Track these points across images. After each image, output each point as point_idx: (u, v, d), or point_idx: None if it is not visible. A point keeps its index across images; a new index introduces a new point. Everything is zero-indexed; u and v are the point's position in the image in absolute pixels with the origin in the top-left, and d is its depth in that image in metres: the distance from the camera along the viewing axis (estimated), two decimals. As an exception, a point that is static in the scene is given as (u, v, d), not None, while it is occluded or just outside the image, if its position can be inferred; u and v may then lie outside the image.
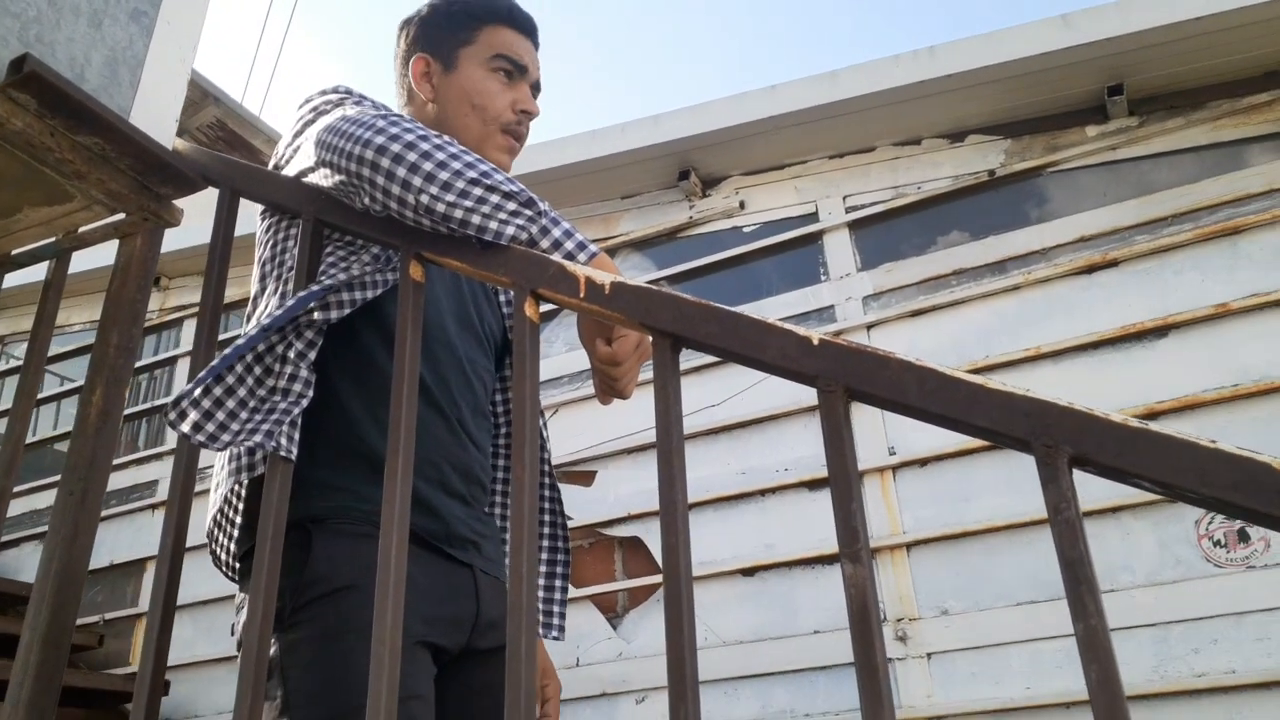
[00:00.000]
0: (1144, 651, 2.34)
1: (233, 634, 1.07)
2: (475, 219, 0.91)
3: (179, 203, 1.22)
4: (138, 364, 3.76)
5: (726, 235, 3.30)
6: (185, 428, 0.93)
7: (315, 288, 1.01)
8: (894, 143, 3.15)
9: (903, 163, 3.13)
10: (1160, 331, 2.59)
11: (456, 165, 0.93)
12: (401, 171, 0.92)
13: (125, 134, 1.09)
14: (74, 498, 1.06)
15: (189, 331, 4.20)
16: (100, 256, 2.27)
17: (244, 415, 0.96)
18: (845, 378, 0.71)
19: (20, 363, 4.58)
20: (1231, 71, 2.73)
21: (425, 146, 0.93)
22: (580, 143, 3.32)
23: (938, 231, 3.01)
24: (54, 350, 4.26)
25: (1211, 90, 2.77)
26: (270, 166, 1.19)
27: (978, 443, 2.61)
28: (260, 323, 0.98)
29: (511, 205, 0.93)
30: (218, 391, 0.95)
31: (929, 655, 2.55)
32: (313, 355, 1.01)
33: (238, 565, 1.08)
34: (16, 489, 1.17)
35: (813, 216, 3.19)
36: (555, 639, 1.26)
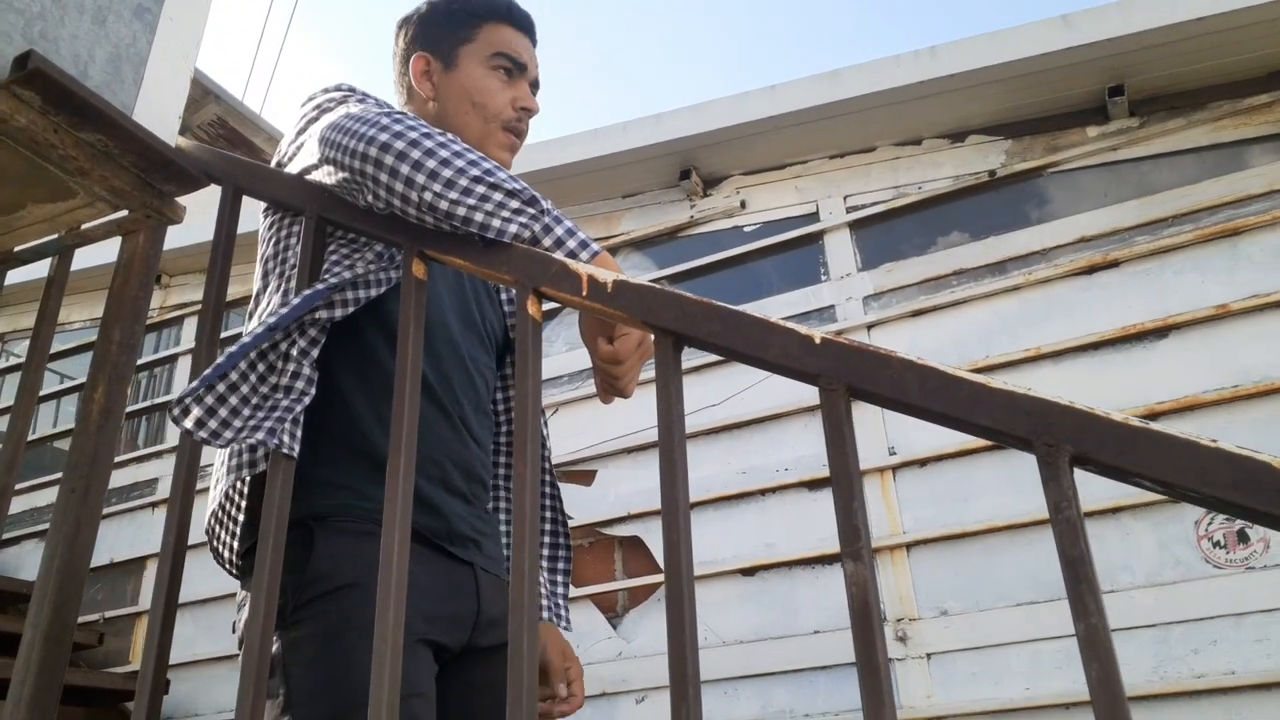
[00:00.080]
0: (1144, 652, 2.34)
1: (234, 632, 1.07)
2: (478, 216, 0.92)
3: (182, 200, 1.23)
4: (138, 362, 3.76)
5: (727, 235, 3.30)
6: (188, 424, 0.93)
7: (320, 286, 1.01)
8: (895, 143, 3.15)
9: (903, 163, 3.13)
10: (1160, 332, 2.59)
11: (460, 163, 0.93)
12: (405, 169, 0.92)
13: (128, 131, 1.09)
14: (76, 495, 1.06)
15: (189, 329, 4.21)
16: (100, 254, 2.27)
17: (246, 412, 0.96)
18: (847, 376, 0.71)
19: (20, 360, 4.59)
20: (1232, 72, 2.73)
21: (429, 144, 0.94)
22: (581, 141, 3.33)
23: (938, 231, 3.01)
24: (54, 348, 4.26)
25: (1212, 91, 2.77)
26: (273, 164, 1.19)
27: (978, 443, 2.61)
28: (265, 321, 0.98)
29: (514, 203, 0.93)
30: (221, 388, 0.95)
31: (929, 655, 2.55)
32: (315, 353, 1.01)
33: (240, 562, 1.08)
34: (17, 487, 1.17)
35: (813, 216, 3.19)
36: (565, 630, 1.27)
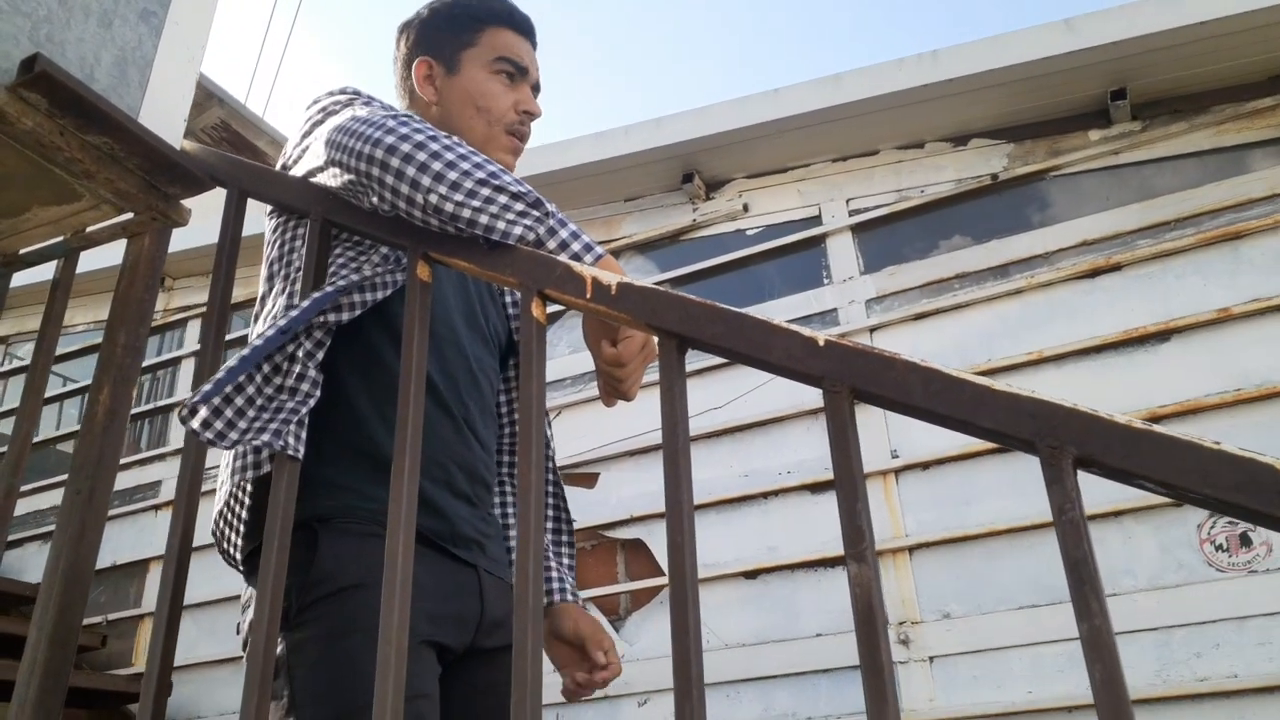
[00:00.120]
0: (1146, 655, 2.34)
1: (238, 633, 1.08)
2: (483, 218, 0.92)
3: (186, 203, 1.23)
4: (142, 364, 3.76)
5: (730, 238, 3.31)
6: (195, 424, 0.93)
7: (329, 289, 1.01)
8: (897, 146, 3.15)
9: (906, 166, 3.13)
10: (1162, 336, 2.59)
11: (465, 165, 0.93)
12: (411, 170, 0.92)
13: (134, 134, 1.09)
14: (81, 496, 1.07)
15: (193, 332, 4.21)
16: (104, 257, 2.27)
17: (251, 413, 0.96)
18: (851, 378, 0.71)
19: (23, 363, 4.60)
20: (1235, 76, 2.74)
21: (434, 146, 0.94)
22: (584, 145, 3.33)
23: (940, 235, 3.02)
24: (58, 350, 4.26)
25: (1214, 95, 2.77)
26: (278, 167, 1.19)
27: (980, 446, 2.61)
28: (276, 324, 0.98)
29: (519, 205, 0.93)
30: (227, 389, 0.95)
31: (931, 659, 2.55)
32: (320, 355, 1.01)
33: (245, 562, 1.08)
34: (20, 489, 1.17)
35: (816, 219, 3.20)
36: (574, 597, 1.29)
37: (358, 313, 1.04)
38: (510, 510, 1.30)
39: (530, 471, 0.82)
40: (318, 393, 1.00)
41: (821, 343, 0.73)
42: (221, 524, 1.10)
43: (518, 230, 0.93)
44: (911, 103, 2.97)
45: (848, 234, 3.12)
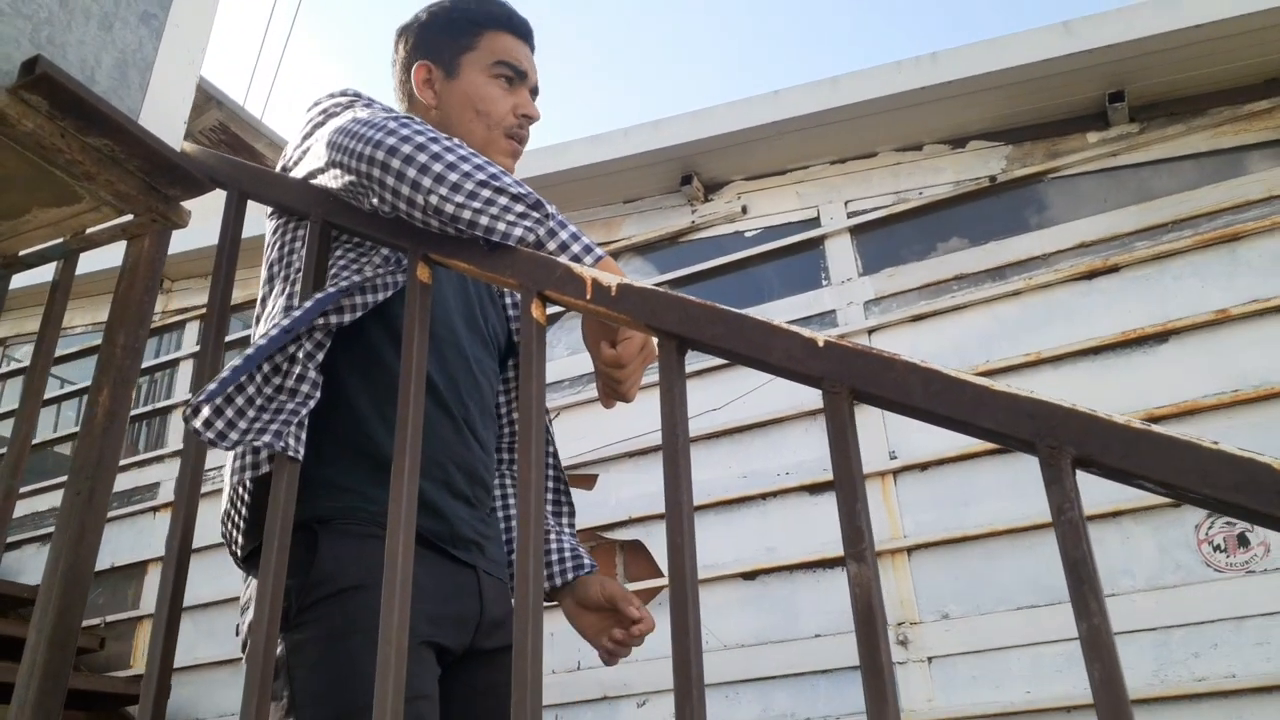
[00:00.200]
0: (1144, 655, 2.34)
1: (237, 634, 1.08)
2: (483, 220, 0.92)
3: (185, 205, 1.23)
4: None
5: (728, 240, 3.31)
6: (197, 424, 0.93)
7: (332, 290, 1.01)
8: (895, 148, 3.16)
9: (904, 168, 3.14)
10: (1160, 337, 2.60)
11: (466, 167, 0.93)
12: (411, 172, 0.93)
13: (135, 136, 1.09)
14: (81, 498, 1.07)
15: (191, 334, 4.21)
16: (102, 259, 2.27)
17: (251, 413, 0.96)
18: (850, 379, 0.71)
19: (20, 365, 4.59)
20: (1232, 78, 2.74)
21: (435, 148, 0.94)
22: (582, 147, 3.33)
23: (939, 237, 3.02)
24: (57, 352, 4.26)
25: (1212, 97, 2.78)
26: (278, 168, 1.19)
27: (978, 447, 2.62)
28: (279, 324, 0.98)
29: (519, 207, 0.94)
30: (229, 389, 0.96)
31: (930, 659, 2.55)
32: (321, 356, 1.02)
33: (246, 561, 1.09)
34: (19, 491, 1.17)
35: (814, 221, 3.20)
36: (592, 566, 1.29)
37: (359, 314, 1.04)
38: (511, 509, 1.30)
39: (530, 471, 0.82)
40: (318, 394, 1.00)
41: (821, 343, 0.73)
42: (227, 524, 1.11)
43: (518, 231, 0.93)
44: (910, 105, 2.98)
45: (846, 236, 3.13)
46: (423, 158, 0.93)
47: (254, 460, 1.03)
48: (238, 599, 1.13)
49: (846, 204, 3.17)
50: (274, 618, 0.90)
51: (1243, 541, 2.35)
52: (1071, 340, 2.68)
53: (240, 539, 1.08)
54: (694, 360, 2.86)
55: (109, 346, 1.15)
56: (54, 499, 4.02)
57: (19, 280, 1.32)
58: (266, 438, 0.94)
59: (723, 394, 3.04)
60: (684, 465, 0.77)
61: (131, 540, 3.79)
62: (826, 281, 3.11)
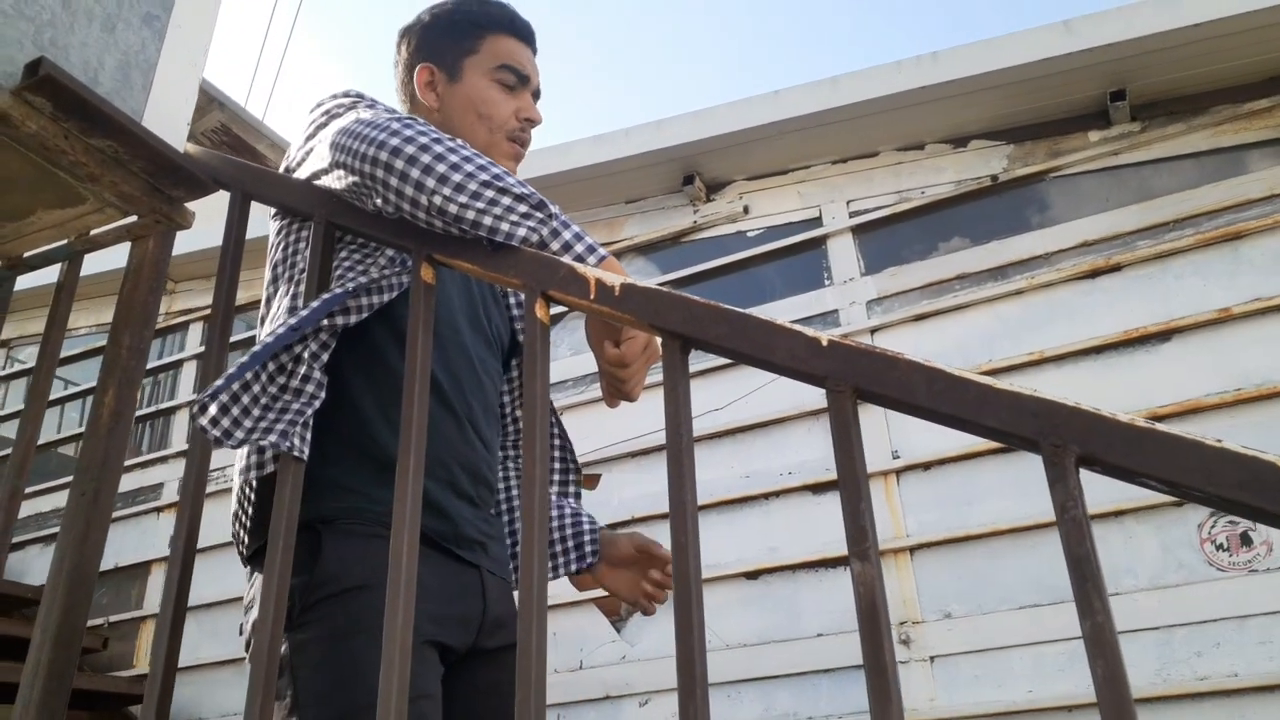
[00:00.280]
0: (1147, 654, 2.34)
1: (241, 634, 1.08)
2: (487, 220, 0.92)
3: (189, 206, 1.24)
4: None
5: (730, 240, 3.31)
6: (204, 421, 0.94)
7: (339, 290, 1.02)
8: (897, 148, 3.16)
9: (906, 168, 3.14)
10: (1162, 336, 2.60)
11: (469, 168, 0.94)
12: (415, 173, 0.93)
13: (138, 137, 1.10)
14: (86, 497, 1.07)
15: (195, 335, 4.22)
16: (106, 260, 2.28)
17: (256, 412, 0.97)
18: (854, 378, 0.71)
19: (24, 366, 4.59)
20: (1233, 77, 2.74)
21: (439, 149, 0.94)
22: (584, 147, 3.34)
23: (941, 236, 3.02)
24: (61, 353, 4.26)
25: (1213, 96, 2.78)
26: (281, 169, 1.20)
27: (981, 446, 2.62)
28: (287, 323, 0.99)
29: (523, 207, 0.94)
30: (234, 387, 0.96)
31: (932, 658, 2.55)
32: (325, 357, 1.02)
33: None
34: (24, 491, 1.18)
35: (816, 221, 3.20)
36: (599, 524, 1.30)
37: (364, 315, 1.05)
38: (516, 508, 1.30)
39: (535, 470, 0.83)
40: (323, 394, 1.00)
41: (825, 343, 0.73)
42: (235, 523, 1.11)
43: (521, 232, 0.93)
44: (911, 104, 2.98)
45: (848, 235, 3.13)
46: (426, 158, 0.93)
47: (259, 460, 1.03)
48: (241, 599, 1.13)
49: (848, 204, 3.17)
50: (279, 617, 0.91)
51: (1245, 541, 2.35)
52: (1074, 339, 2.68)
53: (246, 538, 1.09)
54: (696, 360, 2.86)
55: (114, 347, 1.16)
56: (57, 500, 4.02)
57: (23, 282, 1.32)
58: (273, 437, 0.94)
59: (725, 394, 3.04)
60: (688, 464, 0.77)
61: (135, 541, 3.79)
62: (829, 281, 3.11)
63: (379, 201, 0.98)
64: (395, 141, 0.95)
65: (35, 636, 1.02)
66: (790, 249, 3.20)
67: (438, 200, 0.92)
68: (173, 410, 4.10)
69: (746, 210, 3.30)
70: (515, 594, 1.19)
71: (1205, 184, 2.70)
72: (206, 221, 1.75)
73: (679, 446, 0.77)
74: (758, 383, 2.96)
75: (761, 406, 2.98)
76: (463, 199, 0.92)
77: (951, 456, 2.69)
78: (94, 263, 1.79)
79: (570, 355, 3.33)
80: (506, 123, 1.24)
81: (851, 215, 3.15)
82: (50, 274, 1.24)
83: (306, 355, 1.00)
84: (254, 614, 1.03)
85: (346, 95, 1.15)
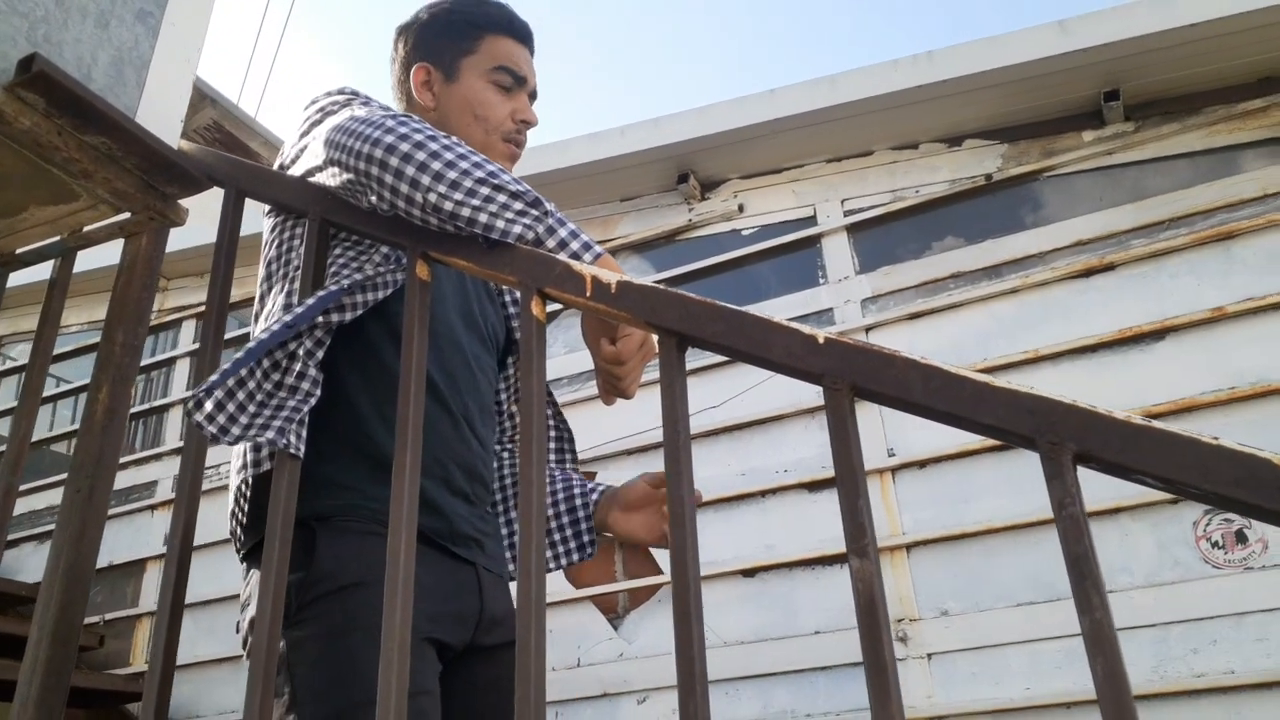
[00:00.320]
0: (1143, 652, 2.35)
1: (238, 632, 1.08)
2: (482, 217, 0.92)
3: (183, 203, 1.23)
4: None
5: (725, 238, 3.31)
6: (200, 417, 0.93)
7: (334, 287, 1.01)
8: (892, 147, 3.16)
9: (900, 167, 3.14)
10: (1157, 335, 2.60)
11: (464, 165, 0.93)
12: (410, 170, 0.93)
13: (132, 133, 1.09)
14: (81, 495, 1.07)
15: (188, 332, 4.20)
16: (99, 257, 2.27)
17: (251, 409, 0.96)
18: (851, 375, 0.71)
19: (16, 363, 4.58)
20: (1226, 77, 2.75)
21: (434, 146, 0.94)
22: (580, 145, 3.33)
23: (935, 235, 3.02)
24: (54, 350, 4.25)
25: (1207, 96, 2.79)
26: (276, 167, 1.19)
27: (977, 444, 2.62)
28: (281, 319, 0.98)
29: (518, 204, 0.94)
30: (230, 383, 0.96)
31: (929, 656, 2.56)
32: (321, 354, 1.02)
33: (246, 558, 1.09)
34: (19, 488, 1.17)
35: (811, 220, 3.20)
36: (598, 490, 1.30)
37: (359, 313, 1.04)
38: (513, 505, 1.30)
39: (532, 468, 0.82)
40: (318, 392, 1.00)
41: (822, 340, 0.73)
42: (232, 521, 1.11)
43: (517, 229, 0.93)
44: (906, 104, 2.98)
45: (843, 234, 3.13)
46: (421, 155, 0.93)
47: (255, 458, 1.03)
48: (238, 596, 1.13)
49: (843, 202, 3.17)
50: (276, 615, 0.90)
51: (1241, 538, 2.36)
52: (1069, 338, 2.68)
53: (242, 535, 1.09)
54: (692, 358, 2.86)
55: (108, 344, 1.15)
56: (51, 497, 4.01)
57: (16, 278, 1.32)
58: (270, 434, 0.94)
59: (721, 391, 3.04)
60: (685, 461, 0.77)
61: (130, 538, 3.78)
62: (823, 280, 3.11)
63: (374, 198, 0.98)
64: (390, 138, 0.94)
65: (33, 634, 1.02)
66: (785, 247, 3.20)
67: (433, 197, 0.92)
68: (166, 407, 4.09)
69: (741, 209, 3.30)
70: (513, 590, 1.19)
71: (1199, 184, 2.70)
72: (200, 218, 1.75)
73: (676, 443, 0.77)
74: (754, 380, 2.96)
75: (758, 404, 2.98)
76: (458, 196, 0.92)
77: (947, 454, 2.70)
78: (87, 259, 1.79)
79: (566, 353, 3.33)
80: (502, 124, 1.24)
81: (846, 214, 3.15)
82: (43, 271, 1.24)
83: (301, 352, 1.00)
84: (251, 611, 1.03)
85: (341, 92, 1.15)
